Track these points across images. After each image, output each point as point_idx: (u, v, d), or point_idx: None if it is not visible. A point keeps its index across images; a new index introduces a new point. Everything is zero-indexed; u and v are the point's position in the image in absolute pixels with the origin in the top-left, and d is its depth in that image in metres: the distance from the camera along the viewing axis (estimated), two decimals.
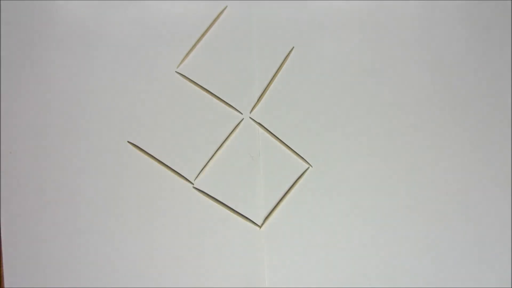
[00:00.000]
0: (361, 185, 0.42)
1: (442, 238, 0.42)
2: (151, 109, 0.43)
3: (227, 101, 0.43)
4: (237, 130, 0.43)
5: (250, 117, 0.43)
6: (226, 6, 0.44)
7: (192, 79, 0.43)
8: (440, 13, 0.45)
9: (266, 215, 0.42)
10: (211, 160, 0.42)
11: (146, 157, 0.42)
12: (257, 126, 0.43)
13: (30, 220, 0.41)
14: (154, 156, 0.42)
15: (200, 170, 0.42)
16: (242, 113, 0.43)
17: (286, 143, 0.43)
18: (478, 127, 0.43)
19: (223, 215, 0.42)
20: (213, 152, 0.43)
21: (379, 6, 0.45)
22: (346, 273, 0.41)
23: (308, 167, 0.43)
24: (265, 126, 0.43)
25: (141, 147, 0.43)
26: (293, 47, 0.44)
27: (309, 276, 0.41)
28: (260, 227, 0.42)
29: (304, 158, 0.43)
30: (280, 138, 0.43)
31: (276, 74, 0.44)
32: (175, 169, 0.42)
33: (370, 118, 0.43)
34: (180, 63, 0.44)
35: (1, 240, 0.41)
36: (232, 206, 0.42)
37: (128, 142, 0.43)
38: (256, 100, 0.43)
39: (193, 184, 0.42)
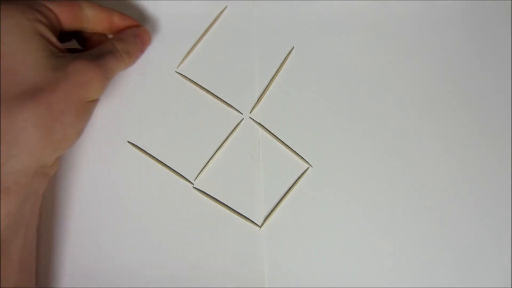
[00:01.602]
0: (361, 185, 0.42)
1: (442, 238, 0.42)
2: (151, 109, 0.43)
3: (227, 101, 0.43)
4: (237, 130, 0.43)
5: (250, 117, 0.43)
6: (226, 6, 0.44)
7: (192, 79, 0.43)
8: (441, 14, 0.45)
9: (266, 215, 0.42)
10: (211, 160, 0.42)
11: (146, 157, 0.42)
12: (257, 126, 0.43)
13: None
14: (154, 156, 0.42)
15: (200, 170, 0.42)
16: (242, 113, 0.43)
17: (286, 143, 0.43)
18: (479, 128, 0.43)
19: (223, 215, 0.42)
20: (213, 152, 0.43)
21: (379, 6, 0.45)
22: (347, 273, 0.41)
23: (308, 167, 0.43)
24: (265, 126, 0.43)
25: (141, 147, 0.43)
26: (293, 47, 0.44)
27: (309, 276, 0.41)
28: (260, 227, 0.42)
29: (304, 158, 0.43)
30: (280, 138, 0.43)
31: (276, 74, 0.44)
32: (175, 169, 0.42)
33: (371, 118, 0.43)
34: (180, 63, 0.44)
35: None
36: (232, 206, 0.42)
37: (128, 142, 0.43)
38: (256, 100, 0.43)
39: (193, 184, 0.42)
